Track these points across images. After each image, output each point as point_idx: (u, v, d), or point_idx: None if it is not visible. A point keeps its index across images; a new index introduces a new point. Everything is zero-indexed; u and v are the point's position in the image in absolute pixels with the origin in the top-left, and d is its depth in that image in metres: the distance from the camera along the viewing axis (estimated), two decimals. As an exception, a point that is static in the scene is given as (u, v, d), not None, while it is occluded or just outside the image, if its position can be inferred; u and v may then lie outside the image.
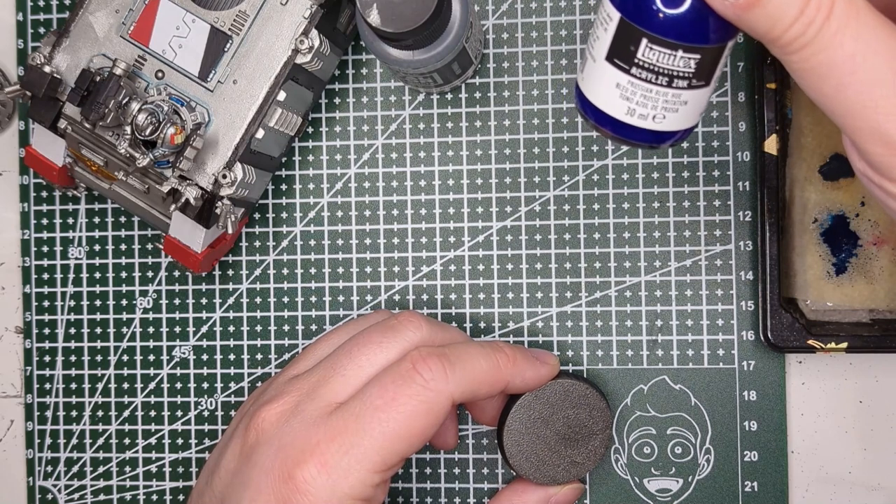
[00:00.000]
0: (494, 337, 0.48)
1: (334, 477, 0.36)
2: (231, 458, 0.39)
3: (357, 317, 0.48)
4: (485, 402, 0.45)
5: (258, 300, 0.49)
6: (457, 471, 0.48)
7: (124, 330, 0.50)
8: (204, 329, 0.50)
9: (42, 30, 0.50)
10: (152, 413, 0.50)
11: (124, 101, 0.42)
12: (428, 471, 0.48)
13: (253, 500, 0.37)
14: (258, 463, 0.37)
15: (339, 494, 0.36)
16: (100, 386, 0.50)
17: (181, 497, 0.50)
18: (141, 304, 0.50)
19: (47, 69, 0.43)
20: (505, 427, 0.43)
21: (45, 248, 0.50)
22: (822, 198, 0.44)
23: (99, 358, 0.50)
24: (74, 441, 0.50)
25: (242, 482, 0.37)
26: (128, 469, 0.50)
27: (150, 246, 0.50)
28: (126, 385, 0.50)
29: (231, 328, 0.49)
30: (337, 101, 0.49)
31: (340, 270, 0.49)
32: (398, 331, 0.40)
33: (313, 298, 0.49)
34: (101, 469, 0.50)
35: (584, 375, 0.47)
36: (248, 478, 0.37)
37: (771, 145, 0.44)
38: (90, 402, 0.50)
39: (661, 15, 0.27)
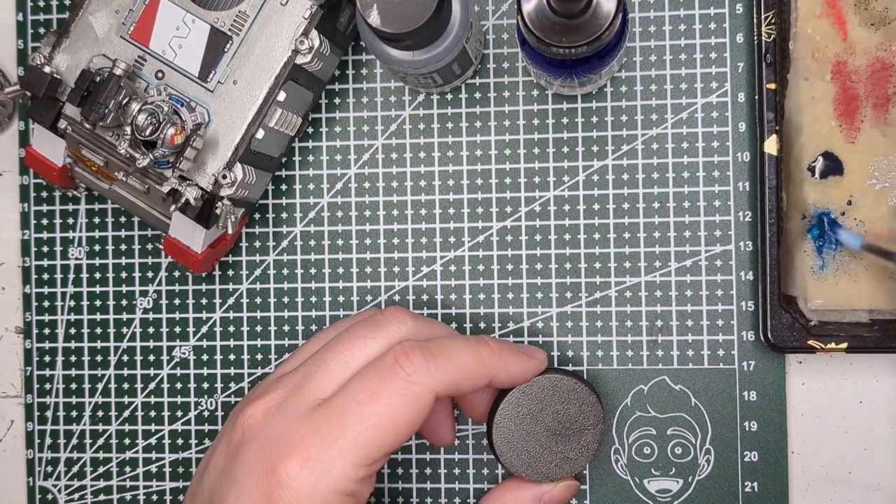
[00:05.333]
0: (494, 337, 0.48)
1: (317, 472, 0.36)
2: (219, 456, 0.39)
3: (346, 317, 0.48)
4: (474, 397, 0.44)
5: (258, 300, 0.49)
6: (457, 471, 0.48)
7: (124, 330, 0.50)
8: (204, 329, 0.50)
9: (42, 30, 0.50)
10: (152, 413, 0.50)
11: (124, 102, 0.42)
12: (428, 471, 0.48)
13: (238, 496, 0.37)
14: (243, 460, 0.37)
15: (322, 489, 0.36)
16: (100, 386, 0.50)
17: (181, 497, 0.50)
18: (141, 304, 0.50)
19: (47, 69, 0.43)
20: (494, 424, 0.43)
21: (45, 248, 0.50)
22: (810, 196, 0.44)
23: (99, 358, 0.50)
24: (74, 441, 0.50)
25: (229, 479, 0.37)
26: (128, 469, 0.50)
27: (150, 246, 0.50)
28: (126, 385, 0.50)
29: (231, 328, 0.49)
30: (337, 101, 0.49)
31: (340, 270, 0.49)
32: (383, 326, 0.40)
33: (313, 298, 0.49)
34: (101, 469, 0.50)
35: (584, 375, 0.47)
36: (234, 474, 0.37)
37: (771, 145, 0.44)
38: (90, 403, 0.50)
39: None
